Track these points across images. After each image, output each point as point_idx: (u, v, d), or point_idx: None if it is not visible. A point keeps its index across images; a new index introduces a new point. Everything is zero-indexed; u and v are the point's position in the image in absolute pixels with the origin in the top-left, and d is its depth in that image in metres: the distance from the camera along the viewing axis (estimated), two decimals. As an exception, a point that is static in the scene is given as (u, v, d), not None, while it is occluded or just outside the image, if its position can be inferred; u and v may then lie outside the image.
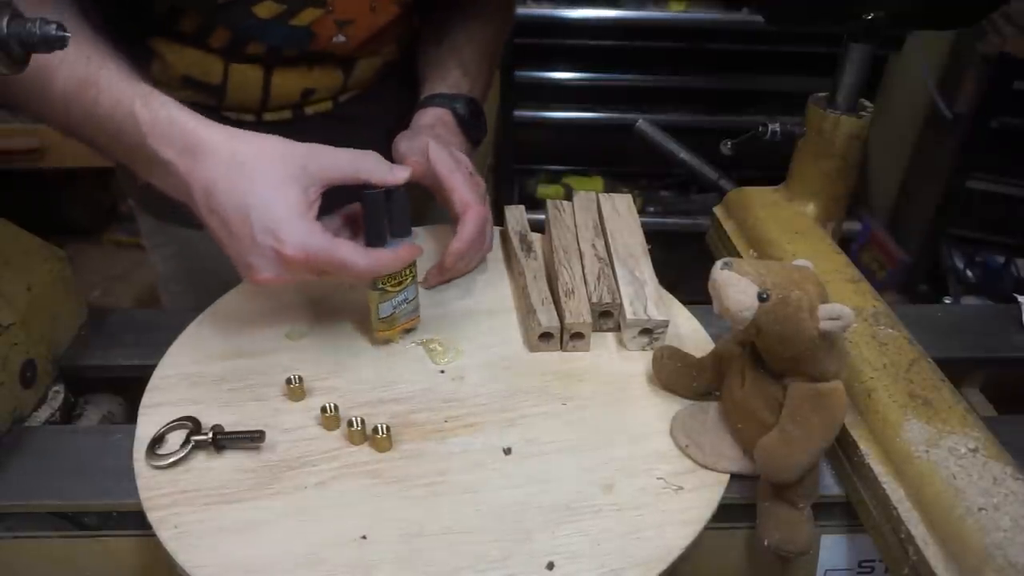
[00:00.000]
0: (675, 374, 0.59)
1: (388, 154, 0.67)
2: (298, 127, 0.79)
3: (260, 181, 0.51)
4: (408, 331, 0.65)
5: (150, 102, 0.53)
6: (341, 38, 0.73)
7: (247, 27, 0.70)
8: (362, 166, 0.54)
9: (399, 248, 0.58)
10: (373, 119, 0.79)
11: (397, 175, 0.57)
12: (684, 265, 0.74)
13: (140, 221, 0.90)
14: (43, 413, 0.62)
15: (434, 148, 0.66)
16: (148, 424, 0.55)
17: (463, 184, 0.65)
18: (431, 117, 0.73)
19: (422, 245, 0.62)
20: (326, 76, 0.78)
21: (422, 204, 0.95)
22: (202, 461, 0.53)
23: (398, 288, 0.60)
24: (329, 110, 0.81)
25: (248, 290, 0.69)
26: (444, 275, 0.70)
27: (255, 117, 0.79)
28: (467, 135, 0.75)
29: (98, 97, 0.54)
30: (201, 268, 0.84)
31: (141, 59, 0.72)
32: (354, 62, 0.78)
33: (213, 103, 0.77)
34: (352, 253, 0.53)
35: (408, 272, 0.61)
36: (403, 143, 0.70)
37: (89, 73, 0.55)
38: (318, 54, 0.75)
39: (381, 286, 0.59)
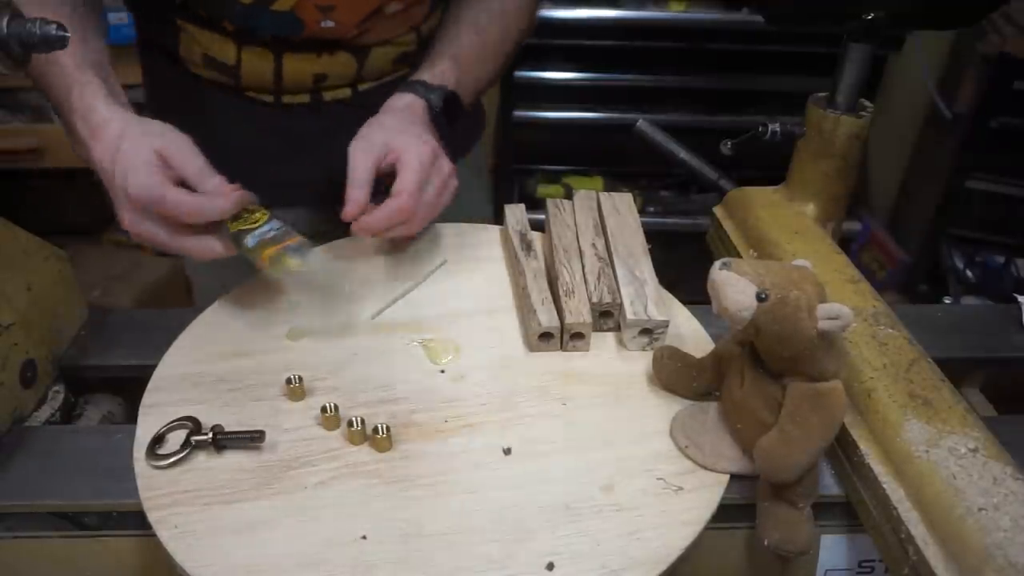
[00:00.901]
0: (675, 374, 0.59)
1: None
2: (317, 112, 0.82)
3: (133, 155, 0.59)
4: (294, 251, 0.61)
5: (84, 91, 0.62)
6: (329, 23, 0.74)
7: (235, 14, 0.73)
8: (203, 181, 0.60)
9: (223, 190, 0.60)
10: None
11: (219, 206, 0.59)
12: (684, 265, 0.74)
13: None
14: (43, 413, 0.62)
15: (361, 145, 0.67)
16: (148, 424, 0.55)
17: (363, 176, 0.65)
18: (402, 102, 0.73)
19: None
20: (337, 63, 0.79)
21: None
22: (202, 461, 0.53)
23: (255, 225, 0.61)
24: (348, 98, 0.82)
25: (248, 290, 0.70)
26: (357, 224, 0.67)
27: (274, 99, 0.81)
28: (438, 127, 0.74)
29: (57, 71, 0.63)
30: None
31: (170, 36, 0.78)
32: (367, 50, 0.80)
33: (232, 83, 0.80)
34: (179, 194, 0.58)
35: (258, 213, 0.62)
36: (359, 141, 0.68)
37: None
38: (326, 41, 0.77)
39: (237, 230, 0.61)
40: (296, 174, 0.82)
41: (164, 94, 0.87)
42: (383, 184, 0.67)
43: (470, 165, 1.00)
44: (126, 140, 0.59)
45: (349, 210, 0.64)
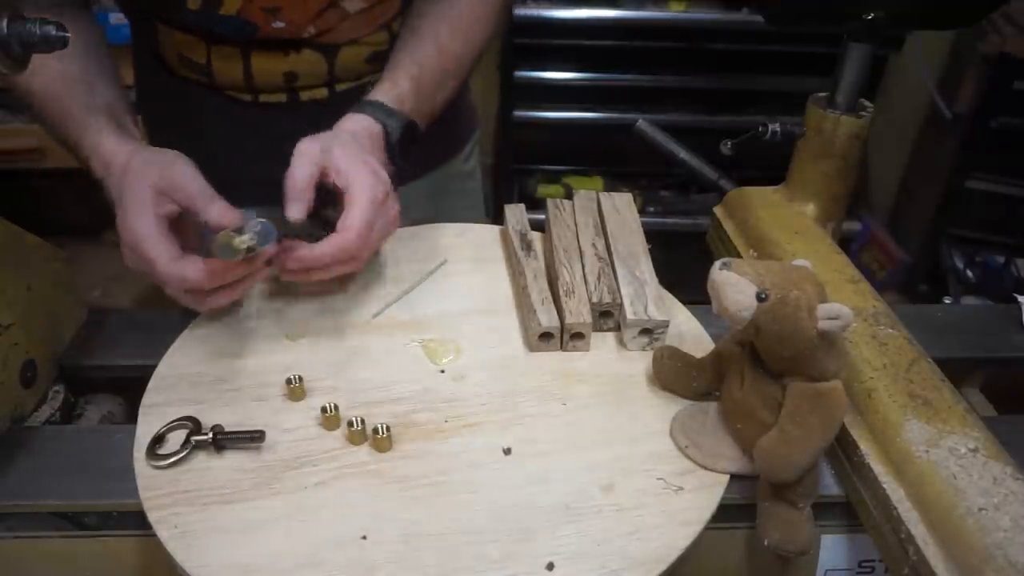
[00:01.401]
0: (675, 374, 0.59)
1: None
2: (294, 112, 0.82)
3: (129, 189, 0.60)
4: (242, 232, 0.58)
5: (92, 132, 0.65)
6: (279, 23, 0.74)
7: (186, 19, 0.74)
8: (205, 207, 0.59)
9: (201, 268, 0.57)
10: None
11: (216, 221, 0.58)
12: (684, 265, 0.74)
13: None
14: (43, 413, 0.62)
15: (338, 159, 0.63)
16: (148, 424, 0.55)
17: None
18: (359, 125, 0.69)
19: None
20: (304, 61, 0.79)
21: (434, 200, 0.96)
22: (202, 461, 0.53)
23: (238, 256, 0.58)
24: (325, 98, 0.82)
25: (248, 290, 0.69)
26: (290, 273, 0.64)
27: (251, 97, 0.81)
28: (390, 158, 0.70)
29: (70, 122, 0.67)
30: None
31: (148, 35, 0.80)
32: (335, 49, 0.79)
33: (207, 81, 0.80)
34: (159, 254, 0.57)
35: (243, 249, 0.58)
36: (304, 158, 0.64)
37: (62, 90, 0.68)
38: (290, 40, 0.77)
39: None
40: (276, 173, 0.81)
41: (151, 94, 0.88)
42: (323, 199, 0.64)
43: (460, 168, 1.00)
44: (129, 173, 0.60)
45: (291, 213, 0.61)
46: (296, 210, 0.61)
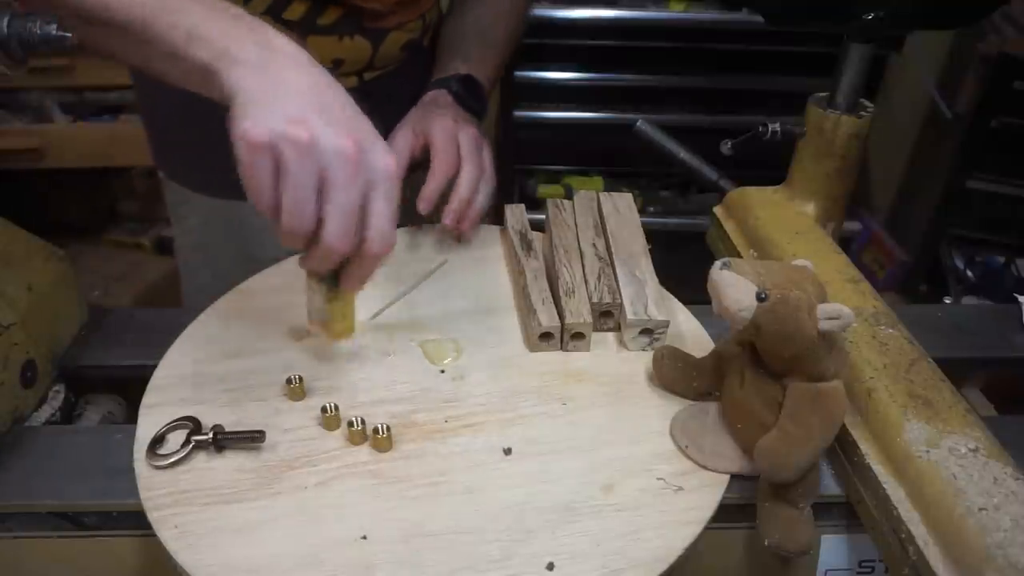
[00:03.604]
0: (675, 374, 0.59)
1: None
2: None
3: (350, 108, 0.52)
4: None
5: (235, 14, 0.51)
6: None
7: None
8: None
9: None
10: (396, 97, 0.82)
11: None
12: (684, 265, 0.74)
13: (166, 191, 0.93)
14: (43, 413, 0.62)
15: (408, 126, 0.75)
16: (148, 424, 0.55)
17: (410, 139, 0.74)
18: (429, 96, 0.80)
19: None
20: (356, 48, 0.81)
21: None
22: (202, 461, 0.53)
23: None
24: (354, 86, 0.83)
25: (248, 290, 0.70)
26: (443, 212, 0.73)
27: None
28: (465, 107, 0.80)
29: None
30: (220, 242, 0.88)
31: None
32: (384, 35, 0.82)
33: None
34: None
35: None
36: (399, 132, 0.76)
37: None
38: (351, 23, 0.78)
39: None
40: None
41: (159, 89, 0.86)
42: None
43: None
44: (332, 88, 0.51)
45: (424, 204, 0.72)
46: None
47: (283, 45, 0.50)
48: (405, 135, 0.75)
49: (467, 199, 0.73)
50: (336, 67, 0.81)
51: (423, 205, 0.71)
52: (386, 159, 0.49)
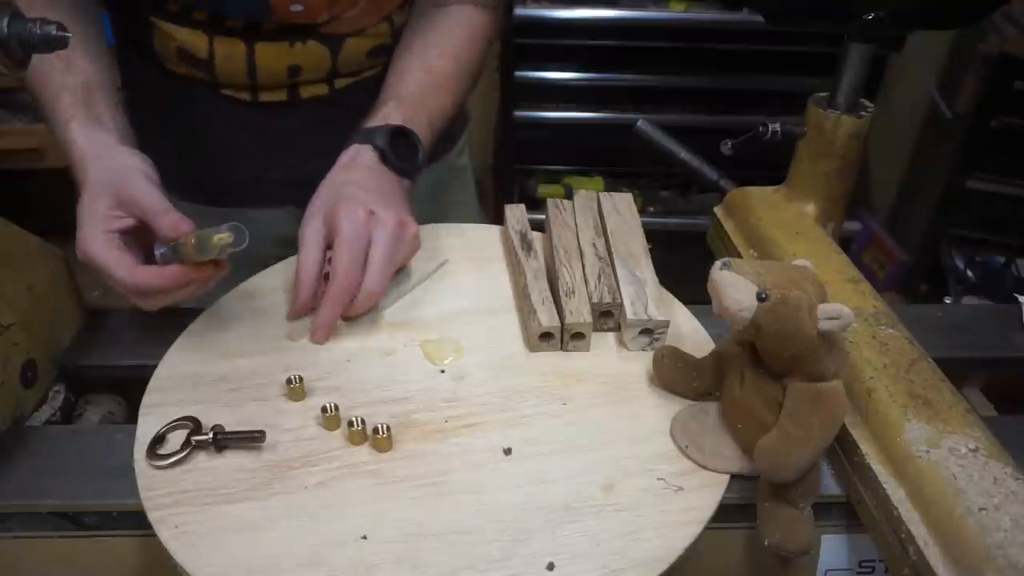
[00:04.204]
0: (675, 374, 0.59)
1: None
2: (294, 109, 0.81)
3: (87, 192, 0.61)
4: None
5: (62, 124, 0.65)
6: (298, 7, 0.73)
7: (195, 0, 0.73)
8: (156, 221, 0.59)
9: (164, 270, 0.59)
10: (369, 108, 0.77)
11: (168, 233, 0.58)
12: (684, 265, 0.74)
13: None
14: (43, 413, 0.62)
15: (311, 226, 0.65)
16: (148, 424, 0.55)
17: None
18: (347, 158, 0.70)
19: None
20: (310, 54, 0.78)
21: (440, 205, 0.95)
22: (202, 461, 0.53)
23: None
24: (325, 95, 0.81)
25: (248, 290, 0.70)
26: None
27: (251, 95, 0.80)
28: (391, 167, 0.70)
29: (53, 95, 0.66)
30: None
31: (144, 34, 0.78)
32: (340, 40, 0.78)
33: (208, 78, 0.79)
34: (117, 267, 0.58)
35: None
36: (308, 224, 0.65)
37: (51, 74, 0.66)
38: (298, 29, 0.76)
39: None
40: (277, 172, 0.81)
41: (142, 93, 0.86)
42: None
43: (454, 163, 0.99)
44: (85, 186, 0.61)
45: (291, 315, 0.65)
46: (303, 299, 0.63)
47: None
48: (315, 229, 0.64)
49: (333, 318, 0.63)
50: (295, 74, 0.79)
51: (318, 336, 0.63)
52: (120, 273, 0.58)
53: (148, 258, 0.60)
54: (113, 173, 0.61)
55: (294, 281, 0.64)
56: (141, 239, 0.61)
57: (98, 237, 0.59)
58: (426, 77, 0.76)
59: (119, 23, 0.84)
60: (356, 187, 0.66)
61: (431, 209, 0.92)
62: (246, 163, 0.83)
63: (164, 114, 0.84)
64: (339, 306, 0.63)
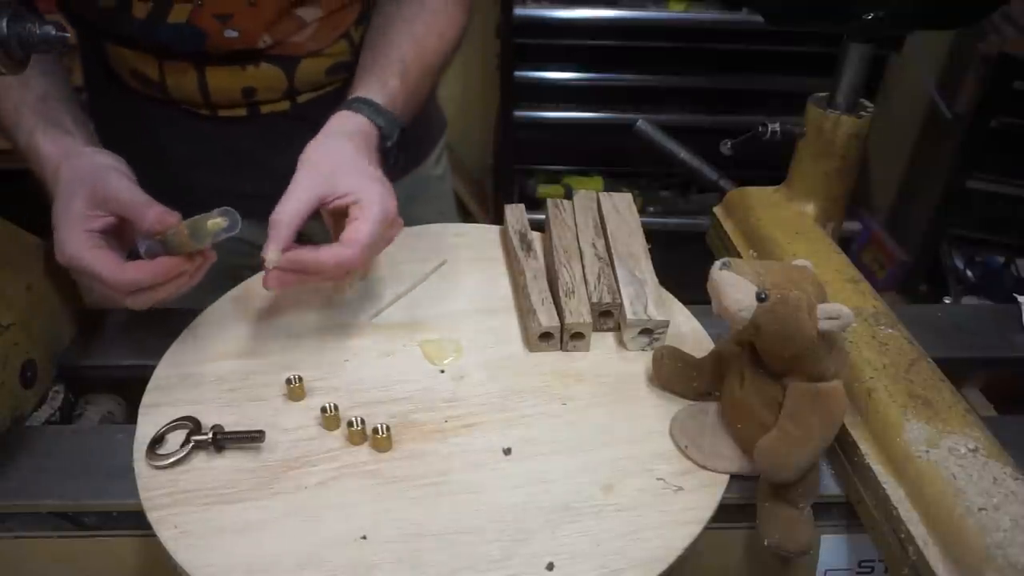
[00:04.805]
0: (675, 374, 0.59)
1: None
2: (254, 125, 0.80)
3: (61, 195, 0.59)
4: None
5: (25, 135, 0.65)
6: (232, 32, 0.72)
7: (135, 29, 0.72)
8: (140, 214, 0.57)
9: (152, 264, 0.57)
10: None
11: (153, 227, 0.57)
12: (684, 265, 0.74)
13: None
14: (43, 413, 0.62)
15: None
16: (148, 424, 0.55)
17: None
18: (353, 124, 0.66)
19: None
20: (264, 75, 0.77)
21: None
22: (202, 461, 0.53)
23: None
24: (287, 110, 0.80)
25: (247, 290, 0.69)
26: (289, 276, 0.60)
27: (209, 112, 0.79)
28: (383, 163, 0.68)
29: (14, 109, 0.66)
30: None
31: (101, 52, 0.78)
32: (295, 61, 0.77)
33: (162, 97, 0.78)
34: (102, 266, 0.56)
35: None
36: (306, 170, 0.61)
37: (7, 92, 0.66)
38: (249, 53, 0.74)
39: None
40: (238, 186, 0.76)
41: (103, 104, 0.86)
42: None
43: (430, 172, 0.97)
44: (59, 187, 0.59)
45: (268, 253, 0.57)
46: (272, 252, 0.56)
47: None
48: (307, 202, 0.59)
49: (313, 275, 0.60)
50: (250, 95, 0.77)
51: (271, 284, 0.59)
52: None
53: (129, 257, 0.59)
54: (86, 172, 0.59)
55: (270, 224, 0.59)
56: (120, 238, 0.60)
57: (78, 238, 0.57)
58: (417, 52, 0.74)
59: (83, 41, 0.83)
60: (380, 175, 0.63)
61: (405, 217, 0.88)
62: (206, 176, 0.82)
63: (126, 127, 0.82)
64: (321, 280, 0.62)
